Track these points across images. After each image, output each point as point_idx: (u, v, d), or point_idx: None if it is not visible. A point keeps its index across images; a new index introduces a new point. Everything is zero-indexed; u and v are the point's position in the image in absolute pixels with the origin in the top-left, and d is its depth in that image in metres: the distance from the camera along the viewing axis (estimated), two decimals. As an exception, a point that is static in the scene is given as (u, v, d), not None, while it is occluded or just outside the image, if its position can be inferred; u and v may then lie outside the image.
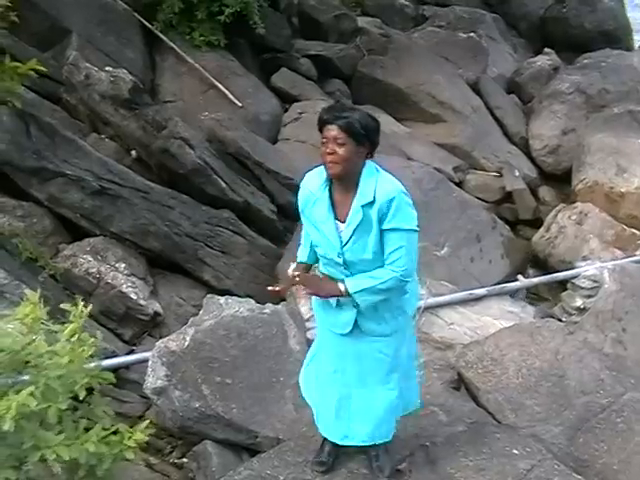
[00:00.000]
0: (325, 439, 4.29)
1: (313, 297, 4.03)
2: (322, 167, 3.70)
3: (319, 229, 3.71)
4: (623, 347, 6.56)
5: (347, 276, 3.73)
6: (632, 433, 4.71)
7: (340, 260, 3.68)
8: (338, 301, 3.79)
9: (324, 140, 3.57)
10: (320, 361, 4.11)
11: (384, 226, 3.60)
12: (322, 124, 3.59)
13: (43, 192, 6.62)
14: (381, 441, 4.16)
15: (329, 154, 3.55)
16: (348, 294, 3.68)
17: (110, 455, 3.67)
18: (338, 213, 3.68)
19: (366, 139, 3.59)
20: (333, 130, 3.53)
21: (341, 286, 3.68)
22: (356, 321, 3.82)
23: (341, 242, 3.65)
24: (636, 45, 14.36)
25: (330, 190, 3.69)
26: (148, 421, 3.92)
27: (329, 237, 3.67)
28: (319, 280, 3.84)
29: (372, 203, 3.59)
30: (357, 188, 3.63)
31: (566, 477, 4.22)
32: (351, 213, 3.64)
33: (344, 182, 3.64)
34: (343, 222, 3.66)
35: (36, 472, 3.65)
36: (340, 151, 3.54)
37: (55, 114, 7.51)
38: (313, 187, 3.71)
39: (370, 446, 4.21)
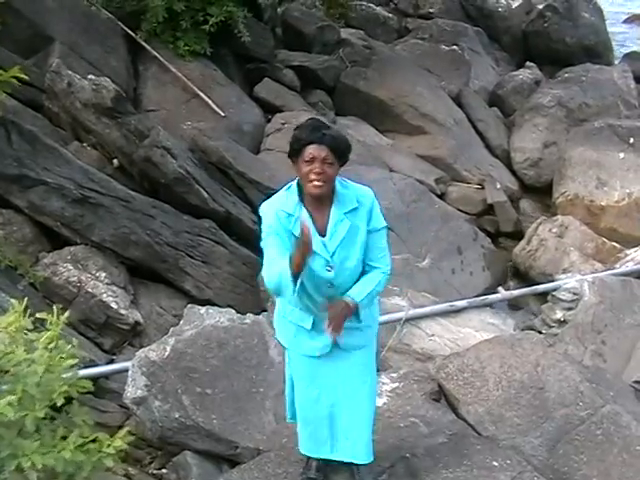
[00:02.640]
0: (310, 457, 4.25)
1: (279, 326, 3.95)
2: (286, 189, 3.68)
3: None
4: (602, 359, 6.59)
5: (331, 290, 3.69)
6: (611, 445, 4.72)
7: (330, 273, 3.64)
8: (313, 324, 3.75)
9: (309, 159, 3.50)
10: (300, 389, 3.98)
11: (370, 227, 3.67)
12: (307, 143, 3.50)
13: (24, 200, 6.59)
14: (370, 460, 4.11)
15: (318, 174, 3.50)
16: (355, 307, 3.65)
17: (89, 463, 3.64)
18: (317, 228, 3.65)
19: (346, 157, 3.63)
20: (323, 150, 3.49)
21: (348, 300, 3.64)
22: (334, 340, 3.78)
23: (329, 253, 3.63)
24: (616, 60, 14.51)
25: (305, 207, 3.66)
26: (127, 429, 3.88)
27: (317, 252, 3.59)
28: (336, 308, 3.66)
29: (356, 209, 3.64)
30: (332, 200, 3.64)
31: (545, 489, 4.23)
32: (332, 224, 3.63)
33: (322, 198, 3.62)
34: (323, 235, 3.64)
35: (13, 480, 3.63)
36: (329, 171, 3.53)
37: (37, 122, 7.48)
38: (288, 208, 3.62)
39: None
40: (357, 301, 3.64)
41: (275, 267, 3.48)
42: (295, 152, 3.56)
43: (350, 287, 3.73)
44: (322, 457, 4.14)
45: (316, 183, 3.52)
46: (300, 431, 4.11)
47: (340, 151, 3.56)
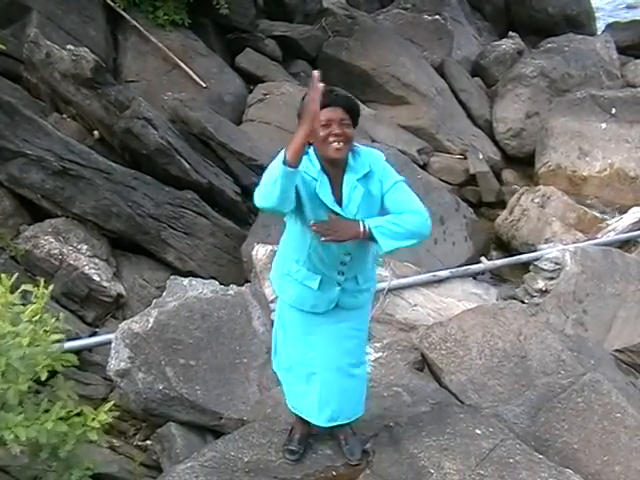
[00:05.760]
0: (294, 426, 4.27)
1: (281, 283, 3.91)
2: (307, 156, 3.53)
3: (326, 213, 3.56)
4: (584, 328, 6.65)
5: (347, 261, 3.70)
6: (592, 413, 4.77)
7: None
8: (320, 284, 3.75)
9: (326, 123, 3.43)
10: (293, 347, 3.99)
11: (385, 187, 3.61)
12: (321, 107, 3.32)
13: (3, 172, 6.52)
14: (361, 414, 4.18)
15: (338, 135, 3.44)
16: (368, 234, 3.49)
17: (73, 436, 3.64)
18: (335, 196, 3.60)
19: (358, 120, 3.59)
20: (338, 112, 3.45)
21: (360, 225, 3.49)
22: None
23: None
24: (599, 30, 14.50)
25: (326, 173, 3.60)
26: (112, 403, 3.88)
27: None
28: (337, 222, 3.54)
29: (368, 174, 3.60)
30: (344, 168, 3.59)
31: (527, 456, 4.25)
32: (347, 191, 3.59)
33: (338, 164, 3.57)
34: (339, 202, 3.59)
35: (-2, 454, 3.63)
36: (348, 131, 3.48)
37: (15, 93, 7.39)
38: (312, 172, 3.54)
39: (340, 428, 4.22)
40: (369, 225, 3.49)
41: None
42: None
43: (366, 257, 3.77)
44: (312, 425, 4.16)
45: (336, 145, 3.46)
46: (293, 394, 4.13)
47: (355, 112, 3.53)
